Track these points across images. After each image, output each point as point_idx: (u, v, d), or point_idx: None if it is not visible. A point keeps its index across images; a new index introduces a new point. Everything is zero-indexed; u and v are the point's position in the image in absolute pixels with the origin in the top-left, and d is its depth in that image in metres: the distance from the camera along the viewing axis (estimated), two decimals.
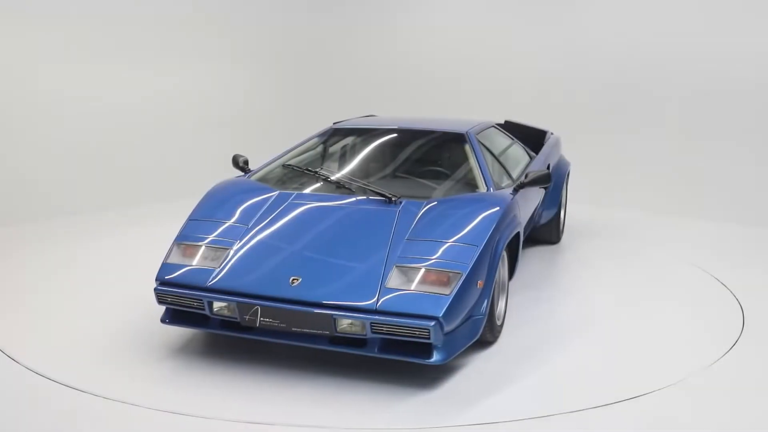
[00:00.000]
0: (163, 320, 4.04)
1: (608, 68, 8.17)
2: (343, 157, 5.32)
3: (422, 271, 3.70)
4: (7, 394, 3.63)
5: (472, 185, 4.73)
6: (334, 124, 6.47)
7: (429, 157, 5.33)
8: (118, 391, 3.62)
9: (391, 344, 3.68)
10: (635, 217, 7.65)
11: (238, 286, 3.79)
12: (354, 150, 5.33)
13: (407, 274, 3.71)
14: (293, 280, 3.76)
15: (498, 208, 4.20)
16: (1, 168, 7.00)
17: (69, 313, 4.74)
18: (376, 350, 3.67)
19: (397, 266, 3.75)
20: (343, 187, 4.59)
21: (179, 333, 4.39)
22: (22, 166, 7.14)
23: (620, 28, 8.06)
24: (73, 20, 7.40)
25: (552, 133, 6.79)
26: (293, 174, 4.92)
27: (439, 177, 5.10)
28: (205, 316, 3.94)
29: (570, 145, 8.14)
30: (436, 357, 3.60)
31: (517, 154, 5.79)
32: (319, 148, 5.37)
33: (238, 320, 3.79)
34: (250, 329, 3.85)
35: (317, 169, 4.85)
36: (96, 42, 7.62)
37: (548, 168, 5.95)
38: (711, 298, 5.19)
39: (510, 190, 4.68)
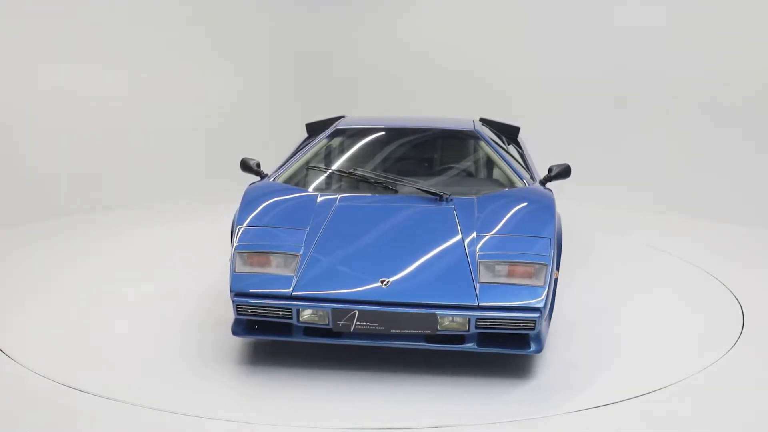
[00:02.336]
0: (235, 332, 3.86)
1: (605, 65, 8.16)
2: (360, 157, 5.26)
3: (508, 265, 3.78)
4: (7, 394, 3.63)
5: (505, 180, 4.85)
6: (306, 125, 6.53)
7: (447, 154, 5.40)
8: (118, 391, 3.61)
9: (488, 338, 3.73)
10: (634, 217, 7.65)
11: (328, 292, 3.70)
12: (367, 150, 5.30)
13: (493, 268, 3.78)
14: (383, 281, 3.74)
15: (550, 200, 4.33)
16: (2, 168, 7.00)
17: (69, 312, 4.74)
18: (475, 345, 3.72)
19: (481, 261, 3.80)
20: (384, 186, 4.60)
21: (178, 333, 4.40)
22: (23, 165, 7.14)
23: (615, 24, 8.06)
24: (74, 20, 7.40)
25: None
26: (322, 175, 4.90)
27: (462, 173, 5.20)
28: (286, 324, 3.82)
29: (569, 143, 8.14)
30: (534, 347, 3.73)
31: (510, 150, 5.85)
32: (331, 149, 5.31)
33: (330, 327, 3.70)
34: (339, 334, 3.75)
35: (351, 170, 4.81)
36: (96, 42, 7.62)
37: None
38: (711, 298, 5.19)
39: (536, 183, 4.81)
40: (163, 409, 3.45)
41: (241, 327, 3.88)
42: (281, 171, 4.92)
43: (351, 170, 4.81)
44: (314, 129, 6.52)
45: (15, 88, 7.05)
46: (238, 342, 4.25)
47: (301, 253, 3.89)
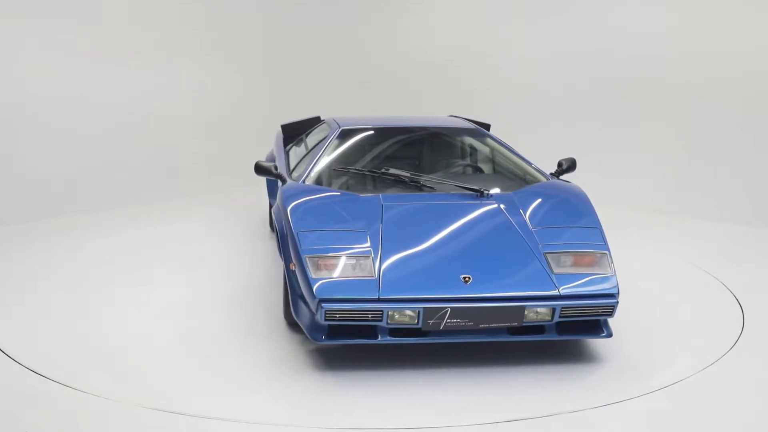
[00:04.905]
0: (317, 339, 3.79)
1: (605, 65, 8.16)
2: (373, 156, 5.25)
3: (572, 255, 3.96)
4: (7, 394, 3.63)
5: (527, 176, 4.96)
6: (282, 126, 6.54)
7: (455, 151, 5.50)
8: (118, 391, 3.62)
9: (565, 326, 3.89)
10: (634, 217, 7.64)
11: (417, 292, 3.72)
12: (377, 149, 5.30)
13: (559, 259, 3.95)
14: (465, 278, 3.79)
15: (583, 192, 4.56)
16: (2, 168, 7.00)
17: (69, 312, 4.74)
18: (555, 334, 3.88)
19: (546, 253, 3.96)
20: (421, 184, 4.64)
21: (177, 332, 4.41)
22: (23, 165, 7.14)
23: (615, 24, 8.05)
24: (73, 21, 7.40)
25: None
26: (353, 175, 4.90)
27: (473, 170, 5.30)
28: (369, 327, 3.78)
29: (568, 142, 8.14)
30: (606, 332, 3.96)
31: None
32: (342, 148, 5.21)
33: (418, 326, 3.72)
34: (426, 333, 3.78)
35: (383, 169, 4.80)
36: (95, 42, 7.62)
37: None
38: (711, 298, 5.18)
39: (553, 178, 4.98)
40: (163, 410, 3.45)
41: (324, 333, 3.79)
42: (307, 172, 4.83)
43: (383, 170, 4.81)
44: (291, 130, 6.54)
45: (15, 89, 7.04)
46: (238, 341, 4.26)
47: (372, 254, 3.89)
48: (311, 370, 3.89)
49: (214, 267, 5.77)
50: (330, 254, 3.87)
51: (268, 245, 6.33)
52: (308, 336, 3.85)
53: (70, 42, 7.40)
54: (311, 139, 5.78)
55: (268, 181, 6.50)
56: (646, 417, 3.46)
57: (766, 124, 7.25)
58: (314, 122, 6.48)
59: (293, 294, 4.05)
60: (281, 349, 4.15)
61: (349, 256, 3.86)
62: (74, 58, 7.46)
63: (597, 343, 4.26)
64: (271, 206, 6.53)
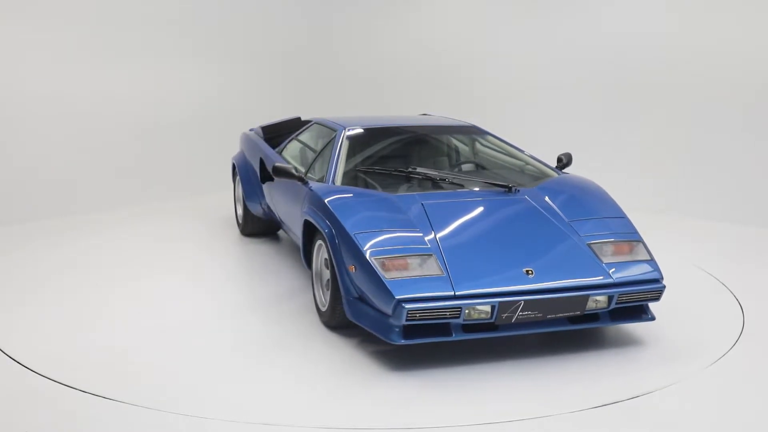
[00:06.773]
0: (393, 339, 3.75)
1: (604, 64, 8.16)
2: (382, 156, 5.25)
3: (612, 245, 4.15)
4: (7, 394, 3.63)
5: (537, 171, 5.07)
6: (262, 127, 6.51)
7: (467, 149, 5.59)
8: (118, 391, 3.62)
9: (615, 313, 4.06)
10: (633, 217, 7.63)
11: (490, 287, 3.77)
12: (382, 149, 5.30)
13: (601, 249, 4.12)
14: (527, 271, 3.88)
15: (598, 185, 4.75)
16: (2, 168, 7.00)
17: (70, 312, 4.74)
18: (609, 320, 4.05)
19: (589, 243, 4.13)
20: (448, 183, 4.72)
21: (178, 332, 4.41)
22: (23, 165, 7.14)
23: (614, 23, 8.06)
24: (71, 21, 7.41)
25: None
26: (378, 176, 4.90)
27: (478, 167, 5.39)
28: (443, 324, 3.80)
29: (568, 142, 8.15)
30: (650, 315, 4.17)
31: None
32: (349, 149, 5.15)
33: (492, 321, 3.78)
34: (496, 327, 3.87)
35: (411, 168, 4.86)
36: (94, 42, 7.63)
37: None
38: (711, 298, 5.18)
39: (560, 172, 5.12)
40: (163, 410, 3.45)
41: (400, 333, 3.75)
42: (332, 174, 4.79)
43: (410, 168, 4.87)
44: (273, 131, 6.51)
45: (15, 89, 7.05)
46: (239, 340, 4.26)
47: (434, 253, 3.90)
48: (309, 370, 3.89)
49: (214, 267, 5.78)
50: (396, 254, 3.85)
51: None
52: (382, 337, 3.82)
53: (67, 43, 7.41)
54: (308, 140, 5.75)
55: (243, 182, 6.41)
56: (646, 417, 3.46)
57: (766, 124, 7.25)
58: (296, 122, 6.46)
59: (348, 296, 4.04)
60: (281, 349, 4.16)
61: (412, 256, 3.86)
62: (71, 58, 7.47)
63: (593, 343, 4.27)
64: (246, 208, 6.42)
